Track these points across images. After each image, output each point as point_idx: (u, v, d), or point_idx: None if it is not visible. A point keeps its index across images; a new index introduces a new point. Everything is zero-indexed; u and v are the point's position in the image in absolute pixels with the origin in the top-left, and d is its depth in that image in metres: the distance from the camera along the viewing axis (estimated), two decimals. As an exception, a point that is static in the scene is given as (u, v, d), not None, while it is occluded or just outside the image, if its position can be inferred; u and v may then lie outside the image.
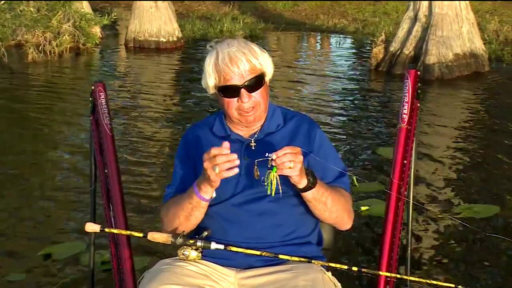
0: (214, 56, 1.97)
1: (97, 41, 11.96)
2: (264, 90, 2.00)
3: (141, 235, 1.88)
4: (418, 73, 2.32)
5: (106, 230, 1.94)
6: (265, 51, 2.02)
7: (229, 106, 1.99)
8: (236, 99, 1.96)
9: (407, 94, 2.27)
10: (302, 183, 1.84)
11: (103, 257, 3.67)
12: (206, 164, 1.78)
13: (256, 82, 1.96)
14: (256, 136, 2.04)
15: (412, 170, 2.21)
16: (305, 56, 11.38)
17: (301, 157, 1.78)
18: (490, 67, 9.20)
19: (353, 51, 11.95)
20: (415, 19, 9.15)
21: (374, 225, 4.07)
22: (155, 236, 1.87)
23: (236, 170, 1.77)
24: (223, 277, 1.95)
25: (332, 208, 1.95)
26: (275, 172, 1.77)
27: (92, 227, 1.91)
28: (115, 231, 2.02)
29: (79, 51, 11.55)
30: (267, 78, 2.02)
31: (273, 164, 1.76)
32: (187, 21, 14.15)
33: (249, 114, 1.98)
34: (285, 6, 16.45)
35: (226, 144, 1.76)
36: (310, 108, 7.29)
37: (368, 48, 11.05)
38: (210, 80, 1.98)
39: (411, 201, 2.21)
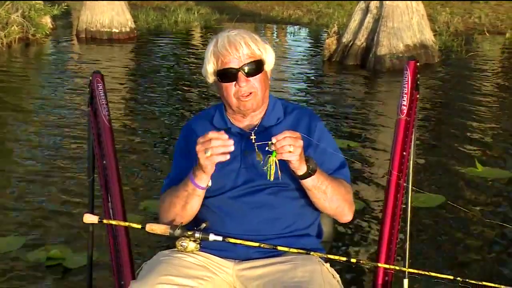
0: (214, 42, 1.97)
1: (48, 32, 11.72)
2: (263, 78, 1.98)
3: (139, 226, 1.88)
4: (418, 64, 2.29)
5: (104, 221, 1.94)
6: (267, 42, 2.02)
7: (227, 92, 1.96)
8: (233, 83, 1.94)
9: (406, 86, 2.24)
10: (302, 169, 1.83)
11: (49, 253, 3.59)
12: (198, 147, 1.77)
13: (255, 67, 1.95)
14: (256, 129, 2.02)
15: (411, 161, 2.19)
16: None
17: (301, 142, 1.77)
18: (440, 58, 9.36)
19: (309, 42, 12.02)
20: (366, 10, 9.24)
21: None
22: (153, 228, 1.87)
23: (228, 157, 1.76)
24: (222, 268, 1.95)
25: (333, 198, 1.94)
26: (275, 156, 1.77)
27: (90, 218, 1.90)
28: (113, 222, 2.02)
29: (28, 41, 11.29)
30: (267, 67, 2.01)
31: (273, 148, 1.76)
32: (141, 11, 13.98)
33: (246, 100, 1.96)
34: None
35: (225, 135, 1.76)
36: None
37: (323, 39, 11.12)
38: (209, 66, 1.97)
39: (410, 193, 2.19)
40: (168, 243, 2.00)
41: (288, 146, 1.75)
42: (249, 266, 1.93)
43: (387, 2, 8.92)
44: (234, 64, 1.93)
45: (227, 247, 1.91)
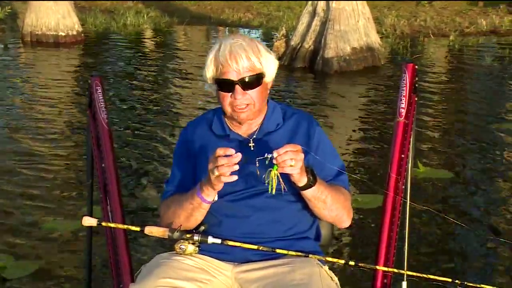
0: (216, 48, 1.96)
1: (-9, 36, 11.42)
2: (261, 91, 1.97)
3: (138, 229, 1.88)
4: (416, 67, 2.28)
5: (103, 224, 1.95)
6: (271, 52, 2.01)
7: (223, 100, 1.97)
8: (230, 94, 1.94)
9: (404, 88, 2.25)
10: (302, 181, 1.84)
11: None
12: (210, 166, 1.78)
13: (253, 81, 1.94)
14: (255, 136, 2.02)
15: (410, 164, 2.20)
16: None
17: (302, 155, 1.78)
18: (385, 60, 9.53)
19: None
20: (314, 13, 9.33)
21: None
22: (152, 230, 1.87)
23: (235, 178, 1.77)
24: (220, 271, 1.95)
25: (332, 207, 1.95)
26: (276, 170, 1.77)
27: (89, 221, 1.90)
28: (112, 225, 2.02)
29: (-30, 45, 11.00)
30: (267, 79, 2.00)
31: (274, 162, 1.75)
32: (89, 14, 13.77)
33: (241, 111, 1.96)
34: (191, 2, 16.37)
35: (232, 150, 1.76)
36: (205, 101, 7.29)
37: (272, 42, 11.16)
38: (209, 72, 1.97)
39: (408, 195, 2.19)
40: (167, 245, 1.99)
41: (290, 160, 1.75)
42: (248, 268, 1.94)
43: (333, 5, 9.03)
44: (233, 76, 1.92)
45: (226, 249, 1.92)
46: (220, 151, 1.77)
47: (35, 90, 8.05)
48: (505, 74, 9.07)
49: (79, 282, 3.35)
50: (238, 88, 1.93)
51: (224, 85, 1.95)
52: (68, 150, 5.67)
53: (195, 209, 1.91)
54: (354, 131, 6.24)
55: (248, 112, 1.98)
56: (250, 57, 1.93)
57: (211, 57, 1.97)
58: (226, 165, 1.75)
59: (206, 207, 1.91)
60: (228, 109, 1.98)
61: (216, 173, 1.76)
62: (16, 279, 3.43)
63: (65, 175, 4.99)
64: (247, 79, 1.93)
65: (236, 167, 1.76)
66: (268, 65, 1.99)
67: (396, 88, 8.30)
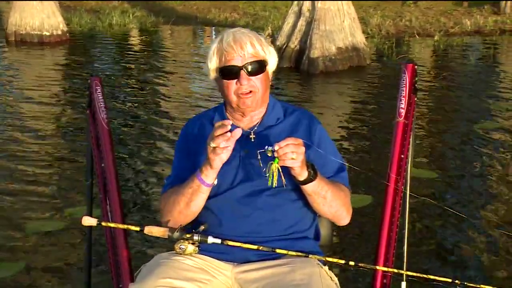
0: (219, 38, 1.97)
1: (-26, 35, 11.33)
2: (264, 78, 1.98)
3: (137, 228, 1.89)
4: (416, 67, 2.28)
5: (103, 224, 1.94)
6: (271, 44, 2.03)
7: (228, 89, 1.97)
8: (235, 81, 1.95)
9: (404, 89, 2.24)
10: (303, 175, 1.84)
11: None
12: (208, 140, 1.80)
13: (257, 67, 1.95)
14: (255, 128, 2.03)
15: (410, 164, 2.20)
16: (201, 50, 11.34)
17: (303, 149, 1.78)
18: (371, 60, 9.57)
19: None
20: (299, 13, 9.35)
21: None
22: (152, 230, 1.87)
23: (230, 148, 1.78)
24: (220, 271, 1.94)
25: (332, 203, 1.95)
26: (277, 163, 1.77)
27: (89, 221, 1.90)
28: (112, 225, 2.02)
29: (-46, 45, 10.90)
30: (269, 68, 2.01)
31: (275, 155, 1.75)
32: (74, 14, 13.71)
33: (247, 97, 1.96)
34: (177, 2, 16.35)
35: (228, 121, 1.77)
36: (195, 102, 7.28)
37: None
38: (212, 63, 1.98)
39: (407, 195, 2.19)
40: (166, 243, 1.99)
41: (291, 153, 1.75)
42: (248, 268, 1.93)
43: (319, 5, 9.06)
44: (237, 62, 1.93)
45: (226, 249, 1.91)
46: (217, 124, 1.79)
47: (24, 89, 8.00)
48: (489, 73, 9.15)
49: (65, 282, 3.33)
50: (243, 73, 1.94)
51: (229, 72, 1.95)
52: (61, 150, 5.64)
53: (195, 192, 1.90)
54: (340, 131, 6.25)
55: (252, 98, 1.97)
56: (255, 44, 1.94)
57: (214, 48, 1.98)
58: (221, 136, 1.76)
59: (205, 190, 1.90)
60: (233, 98, 1.98)
61: (212, 145, 1.77)
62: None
63: (55, 175, 4.96)
64: (252, 65, 1.94)
65: (230, 136, 1.76)
66: (270, 54, 2.01)
67: (381, 87, 8.43)
